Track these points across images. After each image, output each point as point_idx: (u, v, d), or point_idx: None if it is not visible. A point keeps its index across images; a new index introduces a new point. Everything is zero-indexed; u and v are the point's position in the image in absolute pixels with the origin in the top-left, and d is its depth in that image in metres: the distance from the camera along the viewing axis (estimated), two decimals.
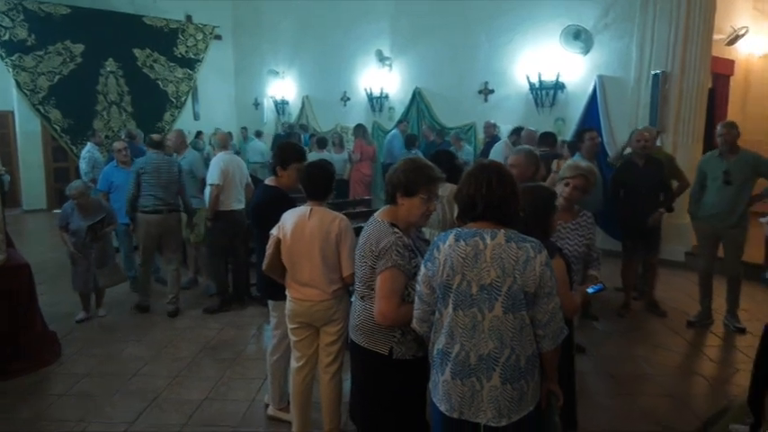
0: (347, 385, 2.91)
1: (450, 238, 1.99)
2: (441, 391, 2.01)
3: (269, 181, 3.58)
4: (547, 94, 8.39)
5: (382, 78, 11.01)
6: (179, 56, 12.95)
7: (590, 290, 2.79)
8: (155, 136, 5.77)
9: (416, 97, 10.43)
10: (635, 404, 3.71)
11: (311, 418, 3.20)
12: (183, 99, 13.14)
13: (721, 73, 8.42)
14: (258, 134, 12.27)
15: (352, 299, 2.57)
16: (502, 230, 1.95)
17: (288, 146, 3.68)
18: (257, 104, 14.62)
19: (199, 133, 12.11)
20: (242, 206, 5.55)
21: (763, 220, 5.15)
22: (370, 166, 9.58)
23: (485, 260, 1.90)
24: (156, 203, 5.35)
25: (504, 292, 1.89)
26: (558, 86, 8.25)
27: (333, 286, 2.91)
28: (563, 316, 2.03)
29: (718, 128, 4.89)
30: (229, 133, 11.02)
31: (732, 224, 4.73)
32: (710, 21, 6.84)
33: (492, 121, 8.74)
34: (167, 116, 12.88)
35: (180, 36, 12.94)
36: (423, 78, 10.34)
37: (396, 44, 10.76)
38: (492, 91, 9.25)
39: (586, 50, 7.88)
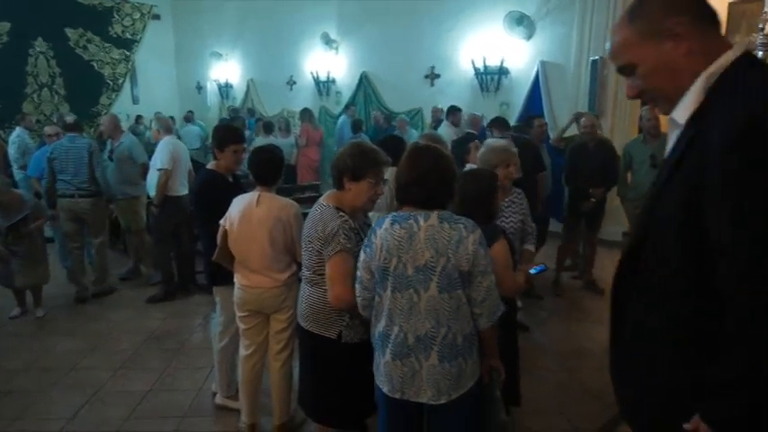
0: (297, 372, 2.90)
1: (386, 222, 2.02)
2: (382, 372, 2.05)
3: (210, 165, 3.50)
4: (491, 78, 8.51)
5: (329, 62, 10.87)
6: (114, 36, 12.37)
7: (532, 270, 2.86)
8: (68, 118, 5.60)
9: (363, 81, 10.37)
10: (576, 379, 3.86)
11: (260, 406, 3.18)
12: (120, 82, 12.59)
13: None
14: (187, 119, 11.79)
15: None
16: (435, 212, 1.98)
17: (224, 128, 3.70)
18: (200, 88, 14.18)
19: (139, 117, 11.64)
20: (187, 191, 5.42)
21: None
22: (317, 151, 9.49)
23: (419, 242, 1.94)
24: (65, 188, 5.27)
25: (438, 272, 1.93)
26: (503, 71, 8.38)
27: (284, 274, 2.89)
28: (507, 295, 2.10)
29: (642, 113, 5.08)
30: (171, 118, 10.62)
31: None
32: None
33: (439, 106, 8.81)
34: (104, 99, 12.32)
35: (115, 15, 12.34)
36: (370, 62, 10.28)
37: (342, 27, 10.64)
38: (438, 75, 9.30)
39: (529, 36, 8.02)
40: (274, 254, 2.84)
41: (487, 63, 8.44)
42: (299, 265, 2.79)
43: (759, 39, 2.10)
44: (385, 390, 2.05)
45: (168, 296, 5.46)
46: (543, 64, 7.86)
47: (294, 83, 11.72)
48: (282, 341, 3.00)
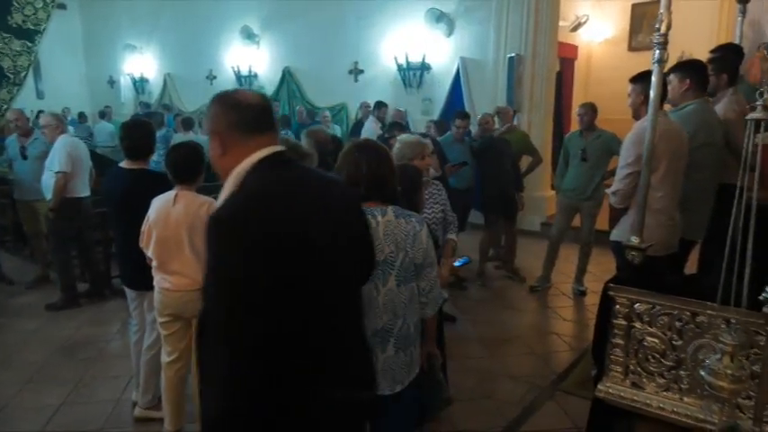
0: None
1: None
2: None
3: (125, 164, 3.31)
4: (414, 74, 8.63)
5: (250, 56, 10.63)
6: (15, 26, 11.42)
7: (457, 263, 2.95)
8: None
9: (286, 77, 10.23)
10: (502, 364, 4.01)
11: (185, 413, 3.07)
12: (22, 75, 11.61)
13: (567, 57, 9.20)
14: (102, 114, 11.21)
15: None
16: (389, 207, 2.03)
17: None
18: (113, 82, 13.46)
19: (40, 113, 10.87)
20: (89, 193, 5.11)
21: (608, 190, 5.75)
22: None
23: (378, 237, 1.97)
24: None
25: (397, 266, 1.99)
26: (425, 67, 8.52)
27: None
28: None
29: (578, 108, 5.33)
30: (81, 114, 10.02)
31: (587, 197, 5.19)
32: (556, 9, 7.42)
33: (368, 102, 8.83)
34: (4, 93, 11.34)
35: (15, 3, 11.41)
36: (293, 57, 10.15)
37: (264, 21, 10.43)
38: (362, 71, 9.32)
39: (449, 33, 8.20)
40: (194, 254, 2.74)
41: (410, 59, 8.55)
42: None
43: (656, 38, 2.24)
44: None
45: (70, 304, 5.12)
46: (463, 60, 8.05)
47: (214, 77, 11.37)
48: None
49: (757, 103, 1.73)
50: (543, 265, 5.53)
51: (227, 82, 11.14)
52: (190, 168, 2.83)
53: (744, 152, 1.72)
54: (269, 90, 10.52)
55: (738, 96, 3.47)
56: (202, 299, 1.39)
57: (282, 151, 1.49)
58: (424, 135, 5.76)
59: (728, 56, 3.62)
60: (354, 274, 1.66)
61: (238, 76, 10.87)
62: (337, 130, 8.85)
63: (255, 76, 10.74)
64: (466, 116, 5.80)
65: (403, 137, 3.45)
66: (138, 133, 3.28)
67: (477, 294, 5.46)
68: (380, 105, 7.78)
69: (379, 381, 2.00)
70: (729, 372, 1.63)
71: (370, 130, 7.39)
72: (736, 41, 3.92)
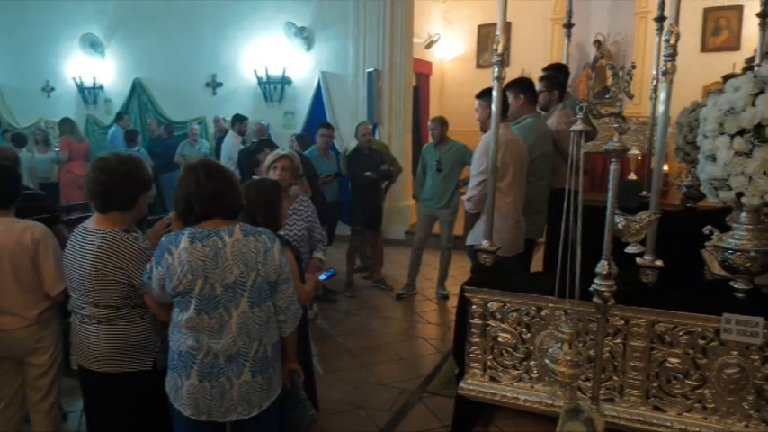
0: (73, 416, 2.54)
1: (184, 240, 1.91)
2: (185, 395, 1.94)
3: None
4: (275, 88, 8.54)
5: (95, 67, 9.82)
6: None
7: (322, 276, 2.94)
8: None
9: (137, 89, 9.59)
10: (372, 373, 4.06)
11: None
12: None
13: (422, 73, 9.69)
14: None
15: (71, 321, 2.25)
16: (237, 225, 1.96)
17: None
18: None
19: None
20: None
21: (464, 197, 6.12)
22: (82, 166, 8.41)
23: (226, 258, 1.89)
24: None
25: (249, 287, 1.92)
26: (285, 81, 8.46)
27: (35, 309, 2.46)
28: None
29: (429, 123, 5.60)
30: None
31: (444, 206, 5.48)
32: (410, 26, 7.79)
33: (222, 116, 8.55)
34: None
35: None
36: (144, 68, 9.55)
37: (109, 29, 9.70)
38: (220, 84, 9.04)
39: (308, 47, 8.24)
40: (19, 287, 2.41)
41: (270, 72, 8.44)
42: (57, 298, 2.46)
43: (494, 57, 2.44)
44: (187, 413, 1.94)
45: None
46: (324, 74, 8.13)
47: (52, 89, 10.33)
48: (42, 389, 2.55)
49: (579, 116, 1.95)
50: (408, 272, 5.72)
51: (67, 94, 10.18)
52: (3, 190, 2.49)
53: (570, 159, 1.92)
54: (117, 103, 9.80)
55: (567, 110, 3.89)
56: None
57: None
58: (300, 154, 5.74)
59: (557, 75, 4.03)
60: None
61: (81, 87, 9.98)
62: (205, 145, 8.50)
63: (101, 88, 9.95)
64: (330, 127, 5.86)
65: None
66: None
67: (345, 306, 5.50)
68: (240, 119, 7.58)
69: (235, 405, 1.94)
70: (568, 358, 1.81)
71: (230, 144, 7.17)
72: (564, 61, 4.38)
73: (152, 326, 2.19)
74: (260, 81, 8.55)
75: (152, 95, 9.53)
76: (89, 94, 10.03)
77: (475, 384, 2.65)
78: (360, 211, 5.77)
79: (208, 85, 9.07)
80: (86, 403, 2.30)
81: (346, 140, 7.51)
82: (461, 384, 2.68)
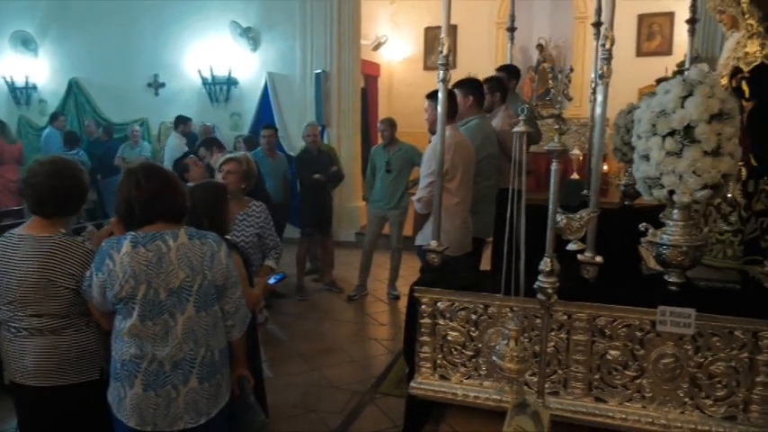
0: None
1: (126, 245, 1.85)
2: (128, 406, 1.87)
3: None
4: (221, 89, 8.36)
5: (27, 65, 9.36)
6: None
7: (271, 280, 2.90)
8: None
9: (73, 89, 9.18)
10: (324, 376, 4.03)
11: None
12: None
13: (371, 74, 9.71)
14: None
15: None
16: (182, 229, 1.92)
17: None
18: None
19: None
20: None
21: (413, 198, 6.17)
22: (15, 170, 8.00)
23: (171, 263, 1.85)
24: None
25: (195, 292, 1.88)
26: (231, 82, 8.31)
27: None
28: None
29: (379, 124, 5.62)
30: None
31: (394, 206, 5.51)
32: (358, 28, 7.79)
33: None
34: None
35: None
36: (81, 68, 9.15)
37: (43, 26, 9.25)
38: (163, 84, 8.77)
39: (255, 48, 8.12)
40: None
41: (215, 72, 8.27)
42: None
43: (439, 59, 2.48)
44: (131, 424, 1.88)
45: None
46: (271, 75, 8.03)
47: None
48: None
49: (520, 118, 2.00)
50: (359, 274, 5.72)
51: None
52: None
53: (512, 160, 1.97)
54: (53, 103, 9.37)
55: (509, 111, 3.99)
56: None
57: None
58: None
59: (500, 77, 4.14)
60: None
61: (12, 87, 9.49)
62: (146, 148, 8.23)
63: (34, 87, 9.48)
64: (271, 128, 5.80)
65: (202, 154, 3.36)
66: None
67: (296, 309, 5.44)
68: (184, 120, 7.39)
69: (182, 414, 1.90)
70: (514, 354, 1.85)
71: (174, 146, 6.98)
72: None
73: (98, 334, 2.12)
74: (205, 81, 8.36)
75: (90, 96, 9.15)
76: (21, 94, 9.54)
77: (425, 383, 2.68)
78: (309, 214, 5.73)
79: (150, 85, 8.79)
80: (23, 422, 2.18)
81: (295, 142, 7.44)
82: (412, 384, 2.71)
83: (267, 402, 2.93)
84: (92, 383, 2.10)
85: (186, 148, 6.75)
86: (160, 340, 1.86)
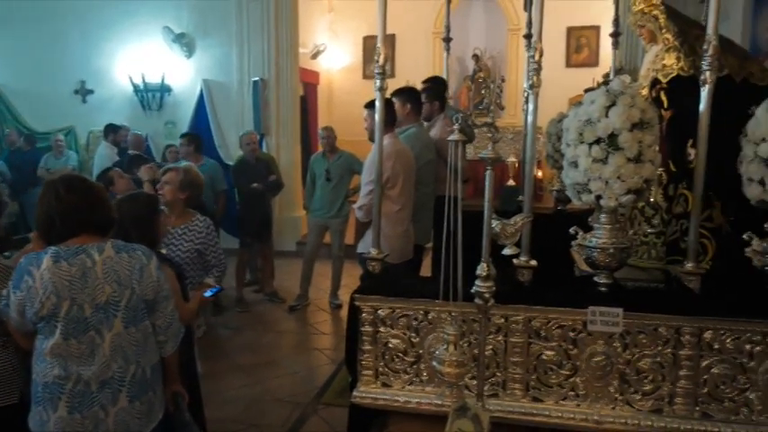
0: None
1: (46, 260, 1.76)
2: (53, 430, 1.78)
3: None
4: (153, 96, 8.10)
5: None
6: None
7: (207, 293, 2.82)
8: None
9: None
10: (266, 389, 3.96)
11: None
12: None
13: (310, 82, 9.67)
14: None
15: None
16: (108, 242, 1.84)
17: None
18: None
19: None
20: None
21: (354, 206, 6.17)
22: None
23: (96, 277, 1.77)
24: None
25: (123, 307, 1.81)
26: (165, 89, 8.07)
27: None
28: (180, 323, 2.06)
29: (320, 131, 5.61)
30: None
31: (335, 215, 5.49)
32: (295, 35, 7.76)
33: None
34: None
35: None
36: (1, 74, 8.66)
37: None
38: (91, 91, 8.41)
39: (189, 54, 7.92)
40: None
41: (147, 79, 8.01)
42: None
43: (376, 68, 2.50)
44: None
45: None
46: (206, 82, 7.86)
47: None
48: None
49: (455, 127, 2.04)
50: (300, 283, 5.66)
51: None
52: None
53: (449, 167, 2.00)
54: None
55: (447, 120, 4.06)
56: None
57: None
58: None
59: (438, 86, 4.21)
60: None
61: None
62: (73, 158, 7.84)
63: None
64: (185, 136, 5.76)
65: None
66: None
67: (237, 321, 5.33)
68: (114, 129, 7.09)
69: None
70: (454, 358, 1.88)
71: (105, 156, 6.69)
72: (445, 74, 4.57)
73: (16, 355, 2.02)
74: (136, 88, 8.08)
75: (10, 103, 8.65)
76: None
77: (368, 391, 2.67)
78: (248, 223, 5.64)
79: (77, 92, 8.41)
80: None
81: (232, 150, 7.30)
82: (354, 393, 2.69)
83: (206, 418, 2.85)
84: (10, 408, 2.00)
85: (117, 158, 6.49)
86: (86, 359, 1.77)
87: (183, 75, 8.03)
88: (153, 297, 1.90)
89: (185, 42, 7.82)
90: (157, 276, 1.91)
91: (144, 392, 1.88)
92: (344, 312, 5.39)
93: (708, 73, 2.22)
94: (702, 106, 2.25)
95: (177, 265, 2.60)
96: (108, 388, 1.80)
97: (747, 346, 2.23)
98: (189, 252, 3.00)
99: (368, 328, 2.62)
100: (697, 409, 2.30)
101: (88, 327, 1.78)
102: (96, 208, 1.87)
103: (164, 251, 2.69)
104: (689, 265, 2.34)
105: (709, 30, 2.22)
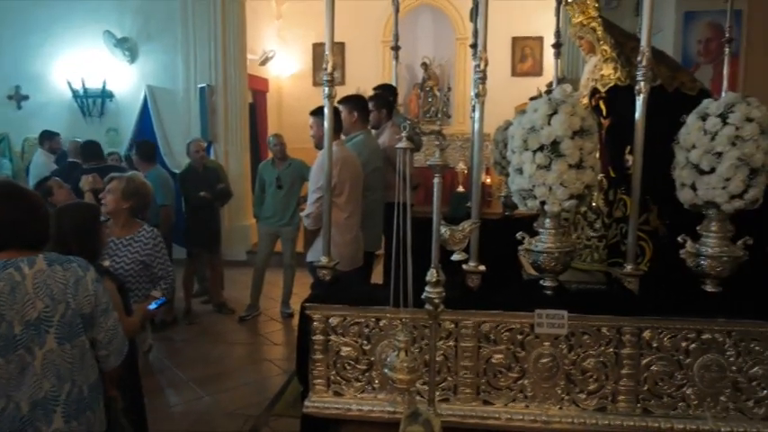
0: None
1: None
2: None
3: None
4: (94, 102, 7.82)
5: None
6: None
7: (152, 306, 2.73)
8: None
9: None
10: (217, 402, 3.87)
11: None
12: None
13: (259, 89, 9.55)
14: None
15: None
16: (40, 255, 1.74)
17: None
18: None
19: None
20: None
21: (302, 214, 6.12)
22: None
23: (26, 292, 1.68)
24: None
25: (56, 322, 1.72)
26: (106, 95, 7.80)
27: None
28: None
29: (269, 139, 5.54)
30: None
31: (286, 223, 5.43)
32: (243, 41, 7.65)
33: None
34: None
35: None
36: None
37: None
38: (26, 97, 8.04)
39: (132, 59, 7.69)
40: None
41: (87, 85, 7.72)
42: None
43: (324, 76, 2.49)
44: None
45: None
46: (151, 88, 7.64)
47: None
48: None
49: (402, 134, 2.06)
50: (250, 293, 5.56)
51: None
52: None
53: (398, 174, 2.01)
54: None
55: (395, 128, 4.10)
56: None
57: None
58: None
59: (385, 94, 4.25)
60: None
61: None
62: (6, 165, 7.45)
63: None
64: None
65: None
66: None
67: (185, 334, 5.18)
68: (50, 136, 6.79)
69: None
70: (405, 364, 1.88)
71: (41, 164, 6.40)
72: (394, 82, 4.61)
73: None
74: (76, 94, 7.78)
75: None
76: None
77: (320, 401, 2.64)
78: (195, 233, 5.51)
79: (10, 97, 8.02)
80: None
81: (179, 158, 7.11)
82: (306, 403, 2.65)
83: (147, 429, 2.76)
84: None
85: (55, 166, 6.21)
86: (15, 379, 1.68)
87: (125, 80, 7.79)
88: (90, 311, 1.82)
89: (128, 47, 7.59)
90: (95, 289, 1.83)
91: (81, 412, 1.79)
92: (296, 322, 5.36)
93: (642, 83, 2.32)
94: (638, 115, 2.35)
95: (119, 277, 2.50)
96: (41, 409, 1.71)
97: (683, 344, 2.33)
98: (134, 264, 2.89)
99: (319, 337, 2.60)
100: (638, 405, 2.38)
101: (18, 344, 1.68)
102: (27, 221, 1.77)
103: (107, 263, 2.60)
104: (628, 267, 2.43)
105: (643, 42, 2.32)
